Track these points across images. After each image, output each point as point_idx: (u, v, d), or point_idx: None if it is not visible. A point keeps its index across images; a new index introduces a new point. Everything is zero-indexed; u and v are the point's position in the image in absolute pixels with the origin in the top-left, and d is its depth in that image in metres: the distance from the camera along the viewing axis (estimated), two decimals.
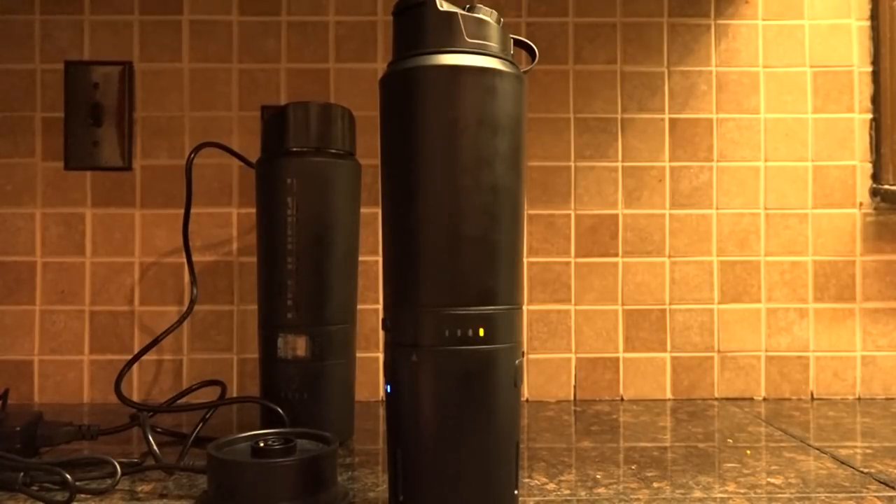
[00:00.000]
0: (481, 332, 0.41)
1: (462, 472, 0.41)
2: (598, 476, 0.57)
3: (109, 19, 0.88)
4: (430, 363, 0.41)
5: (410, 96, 0.42)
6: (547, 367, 0.88)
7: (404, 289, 0.42)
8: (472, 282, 0.41)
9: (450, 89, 0.41)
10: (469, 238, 0.41)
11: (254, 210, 0.68)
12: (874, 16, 0.89)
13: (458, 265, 0.41)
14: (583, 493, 0.52)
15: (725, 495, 0.52)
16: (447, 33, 0.42)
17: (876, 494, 0.52)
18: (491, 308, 0.41)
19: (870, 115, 0.89)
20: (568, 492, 0.53)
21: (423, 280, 0.41)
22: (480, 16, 0.42)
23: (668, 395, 0.88)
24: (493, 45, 0.43)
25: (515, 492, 0.43)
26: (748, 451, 0.64)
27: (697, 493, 0.52)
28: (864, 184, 0.89)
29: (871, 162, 0.89)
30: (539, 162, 0.89)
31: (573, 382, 0.88)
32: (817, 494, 0.52)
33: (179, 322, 0.76)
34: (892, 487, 0.53)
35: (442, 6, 0.42)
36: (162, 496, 0.52)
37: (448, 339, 0.40)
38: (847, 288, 0.89)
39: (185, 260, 0.79)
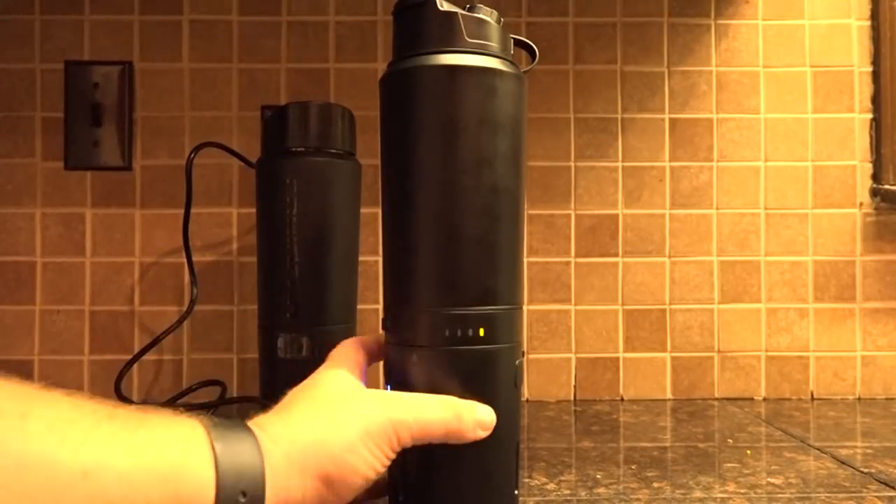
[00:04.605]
0: (482, 332, 0.41)
1: (462, 472, 0.41)
2: (598, 476, 0.57)
3: (109, 19, 0.88)
4: (431, 363, 0.41)
5: (411, 96, 0.42)
6: (547, 367, 0.88)
7: (405, 289, 0.42)
8: (473, 282, 0.41)
9: (450, 89, 0.41)
10: (470, 238, 0.41)
11: (254, 210, 0.68)
12: (874, 16, 0.89)
13: (459, 265, 0.41)
14: (583, 493, 0.52)
15: (725, 495, 0.52)
16: (447, 33, 0.42)
17: (876, 494, 0.52)
18: (492, 308, 0.41)
19: (870, 115, 0.89)
20: (568, 492, 0.53)
21: (423, 280, 0.41)
22: (480, 16, 0.42)
23: (668, 395, 0.88)
24: (494, 44, 0.42)
25: (516, 492, 0.43)
26: (748, 451, 0.64)
27: (697, 493, 0.52)
28: (864, 184, 0.89)
29: (871, 162, 0.89)
30: (539, 162, 0.89)
31: (573, 382, 0.88)
32: (817, 494, 0.52)
33: (179, 322, 0.76)
34: (893, 487, 0.53)
35: (442, 6, 0.42)
36: None
37: (449, 339, 0.40)
38: (847, 288, 0.89)
39: (185, 260, 0.79)
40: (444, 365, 0.41)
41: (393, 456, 0.37)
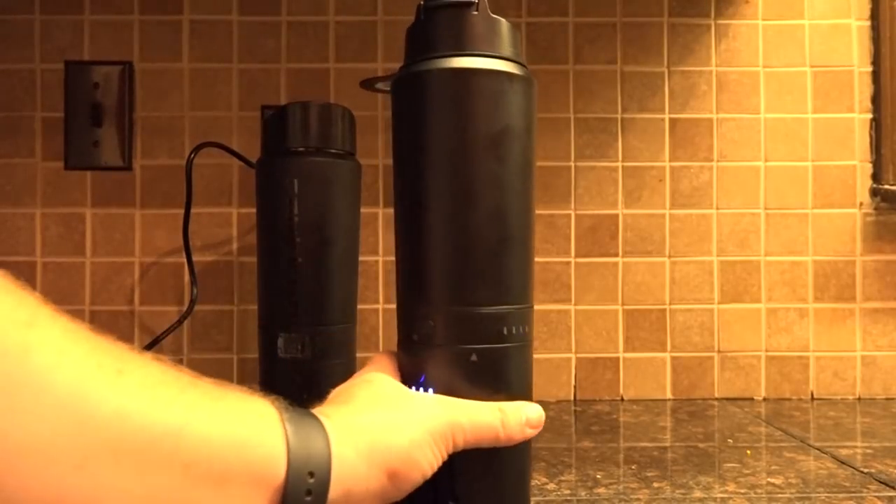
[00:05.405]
0: (525, 328, 0.42)
1: (484, 470, 0.41)
2: (598, 476, 0.57)
3: (109, 19, 0.88)
4: (490, 361, 0.41)
5: (424, 100, 0.41)
6: (547, 367, 0.88)
7: (459, 291, 0.41)
8: (520, 280, 0.42)
9: (465, 93, 0.41)
10: (513, 238, 0.41)
11: (254, 210, 0.68)
12: (874, 16, 0.89)
13: (508, 265, 0.41)
14: (583, 493, 0.52)
15: (725, 495, 0.52)
16: (469, 36, 0.42)
17: (876, 494, 0.52)
18: (531, 305, 0.42)
19: (870, 115, 0.89)
20: (568, 492, 0.53)
21: (481, 281, 0.41)
22: (498, 17, 0.43)
23: (668, 395, 0.88)
24: (508, 47, 0.43)
25: (527, 489, 0.44)
26: (748, 451, 0.64)
27: (697, 493, 0.52)
28: (864, 184, 0.89)
29: (871, 162, 0.89)
30: (539, 162, 0.88)
31: (573, 382, 0.88)
32: (817, 494, 0.52)
33: (179, 322, 0.76)
34: (893, 487, 0.53)
35: (486, 10, 0.42)
36: None
37: (506, 337, 0.41)
38: (847, 288, 0.89)
39: (185, 260, 0.79)
40: (502, 362, 0.41)
41: (446, 457, 0.38)
